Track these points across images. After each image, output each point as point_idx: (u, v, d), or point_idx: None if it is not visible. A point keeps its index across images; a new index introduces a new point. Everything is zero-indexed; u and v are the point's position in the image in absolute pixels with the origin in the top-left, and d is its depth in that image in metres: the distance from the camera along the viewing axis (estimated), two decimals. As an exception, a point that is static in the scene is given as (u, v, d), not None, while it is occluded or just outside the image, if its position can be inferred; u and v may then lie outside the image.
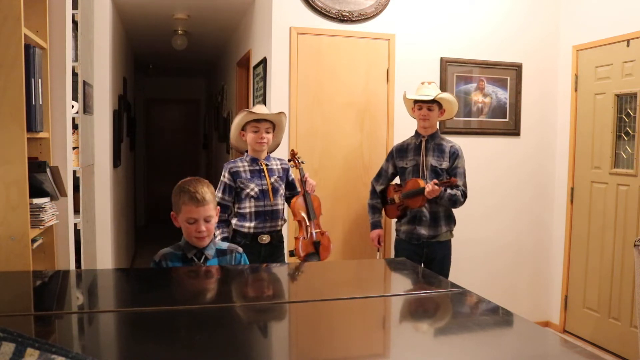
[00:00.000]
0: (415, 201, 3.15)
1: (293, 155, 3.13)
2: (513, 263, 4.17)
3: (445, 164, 3.19)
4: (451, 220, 3.30)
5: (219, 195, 2.82)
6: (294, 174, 3.08)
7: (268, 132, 2.89)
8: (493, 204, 4.06)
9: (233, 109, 5.64)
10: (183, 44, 5.78)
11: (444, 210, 3.24)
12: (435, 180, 3.03)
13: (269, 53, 3.70)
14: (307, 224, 2.92)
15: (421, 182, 3.13)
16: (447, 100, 3.25)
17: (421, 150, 3.24)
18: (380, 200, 3.45)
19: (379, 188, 3.42)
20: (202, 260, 2.11)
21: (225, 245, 2.26)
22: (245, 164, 2.91)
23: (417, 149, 3.26)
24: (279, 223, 2.91)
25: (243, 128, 2.91)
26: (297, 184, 3.05)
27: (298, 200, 2.95)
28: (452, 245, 3.35)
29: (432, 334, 1.53)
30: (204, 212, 2.05)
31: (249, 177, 2.87)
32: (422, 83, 3.30)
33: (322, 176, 3.61)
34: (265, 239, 2.85)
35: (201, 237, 2.07)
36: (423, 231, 3.22)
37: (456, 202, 3.17)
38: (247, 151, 2.96)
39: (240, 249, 2.27)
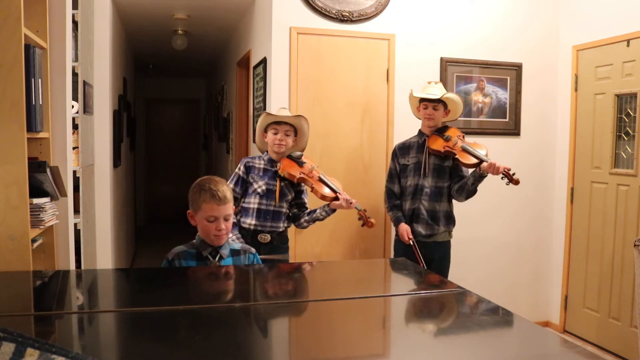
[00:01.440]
0: (469, 160, 3.04)
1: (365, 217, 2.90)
2: (513, 263, 4.17)
3: (448, 162, 3.19)
4: (450, 221, 3.28)
5: (230, 185, 2.81)
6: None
7: (287, 135, 2.91)
8: (493, 203, 4.06)
9: (233, 109, 5.64)
10: (183, 44, 5.78)
11: (443, 210, 3.23)
12: (508, 167, 2.94)
13: (269, 53, 3.70)
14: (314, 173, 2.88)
15: (487, 151, 3.06)
16: (452, 100, 3.24)
17: (424, 148, 3.23)
18: (397, 199, 3.37)
19: (396, 188, 3.35)
20: (217, 259, 2.13)
21: (238, 245, 2.28)
22: (262, 162, 2.96)
23: (420, 148, 3.25)
24: (281, 225, 2.91)
25: (265, 130, 2.95)
26: (306, 199, 3.00)
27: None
28: (452, 244, 3.34)
29: (432, 334, 1.53)
30: (224, 211, 2.08)
31: (261, 174, 2.92)
32: (429, 83, 3.29)
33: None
34: (265, 238, 2.86)
35: (220, 235, 2.10)
36: (420, 229, 3.21)
37: (472, 194, 3.14)
38: (267, 151, 2.99)
39: (253, 250, 2.29)
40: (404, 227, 3.25)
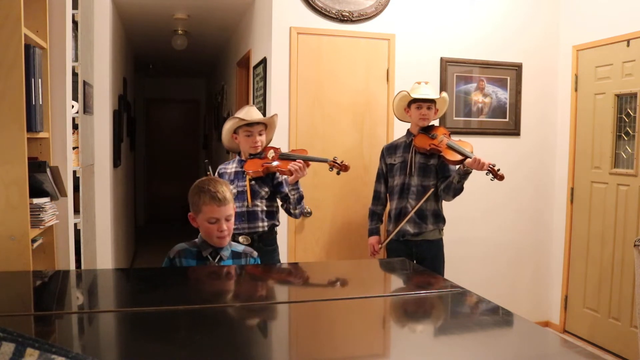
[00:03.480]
0: (454, 156, 3.07)
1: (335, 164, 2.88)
2: (513, 263, 4.17)
3: (433, 160, 3.21)
4: (439, 219, 3.26)
5: None
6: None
7: (261, 135, 2.88)
8: (493, 203, 4.06)
9: (233, 109, 5.63)
10: (183, 44, 5.78)
11: (430, 208, 3.22)
12: (492, 163, 2.96)
13: (269, 53, 3.70)
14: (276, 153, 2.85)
15: (471, 148, 3.09)
16: (444, 98, 3.31)
17: (411, 147, 3.25)
18: (382, 206, 3.42)
19: (382, 189, 3.40)
20: (217, 260, 2.12)
21: (240, 248, 2.27)
22: (234, 165, 2.94)
23: (407, 147, 3.27)
24: (259, 225, 2.84)
25: (235, 131, 2.90)
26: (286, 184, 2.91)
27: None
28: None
29: (432, 334, 1.53)
30: (225, 212, 2.07)
31: (232, 178, 2.88)
32: (419, 83, 3.29)
33: (321, 176, 3.61)
34: (243, 240, 2.79)
35: (223, 236, 2.09)
36: (408, 227, 3.20)
37: (459, 192, 3.14)
38: (239, 153, 2.96)
39: (255, 253, 2.28)
40: (371, 241, 3.39)
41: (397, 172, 3.28)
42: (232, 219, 2.13)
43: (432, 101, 3.21)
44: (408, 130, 3.35)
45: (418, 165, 3.21)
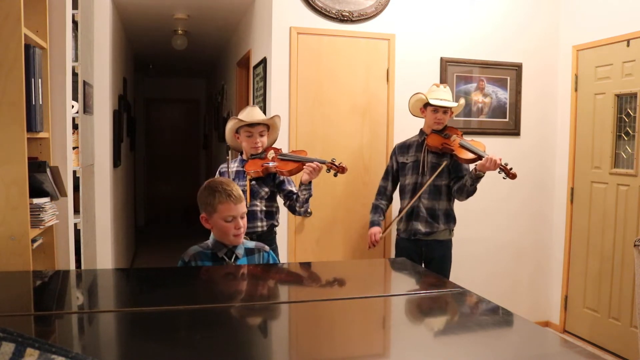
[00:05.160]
0: (466, 155, 3.09)
1: (334, 166, 2.83)
2: (513, 263, 4.17)
3: (445, 160, 3.22)
4: (450, 219, 3.28)
5: None
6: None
7: (262, 136, 2.88)
8: (493, 203, 4.05)
9: (233, 109, 5.63)
10: (183, 44, 5.78)
11: (442, 208, 3.24)
12: (504, 162, 2.97)
13: (269, 53, 3.70)
14: (276, 154, 2.84)
15: (484, 148, 3.11)
16: (461, 105, 3.36)
17: (423, 147, 3.25)
18: (386, 202, 3.42)
19: (389, 186, 3.41)
20: (232, 259, 2.13)
21: (252, 244, 2.28)
22: (234, 165, 2.95)
23: (420, 146, 3.29)
24: (258, 225, 2.84)
25: (237, 131, 2.92)
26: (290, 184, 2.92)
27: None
28: (453, 244, 3.34)
29: (432, 334, 1.53)
30: (241, 209, 2.12)
31: (233, 177, 2.89)
32: (437, 85, 3.30)
33: (322, 176, 3.60)
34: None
35: (239, 233, 2.12)
36: (419, 227, 3.21)
37: (472, 194, 3.15)
38: (241, 152, 2.97)
39: (267, 247, 2.29)
40: (373, 231, 3.35)
41: (409, 172, 3.29)
42: (245, 217, 2.16)
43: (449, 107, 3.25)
44: (421, 129, 3.36)
45: (430, 164, 3.23)
